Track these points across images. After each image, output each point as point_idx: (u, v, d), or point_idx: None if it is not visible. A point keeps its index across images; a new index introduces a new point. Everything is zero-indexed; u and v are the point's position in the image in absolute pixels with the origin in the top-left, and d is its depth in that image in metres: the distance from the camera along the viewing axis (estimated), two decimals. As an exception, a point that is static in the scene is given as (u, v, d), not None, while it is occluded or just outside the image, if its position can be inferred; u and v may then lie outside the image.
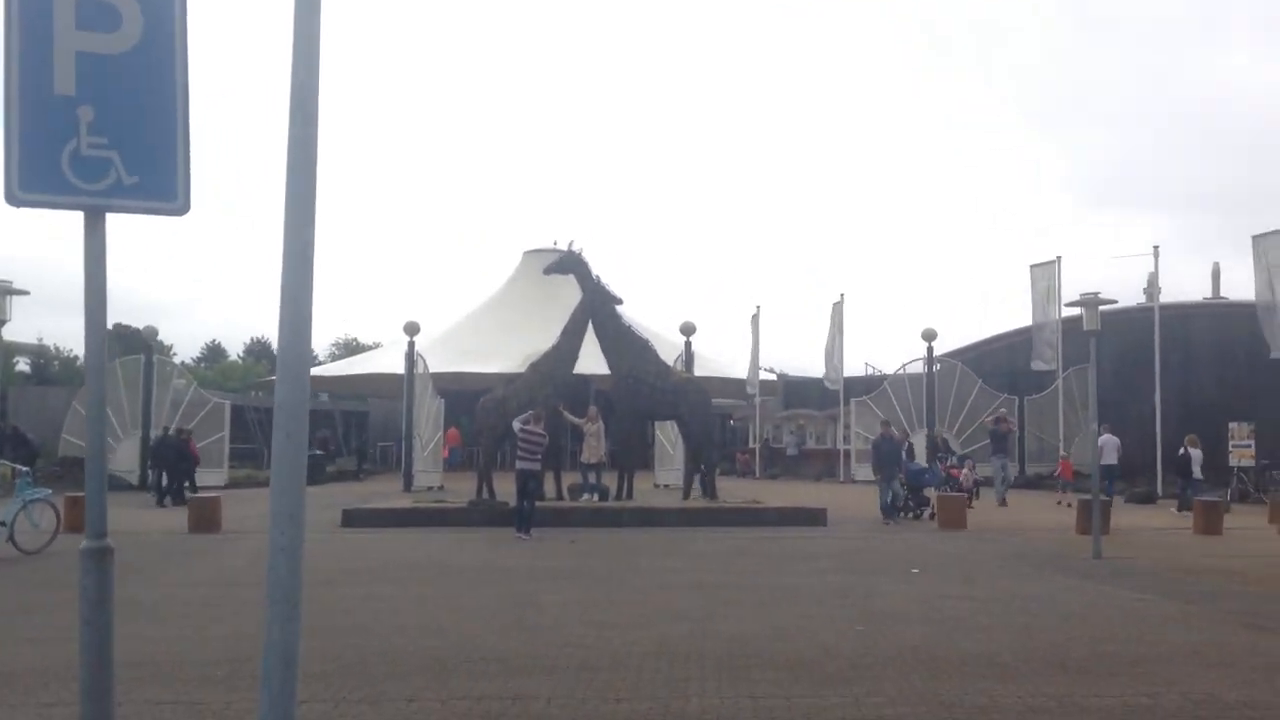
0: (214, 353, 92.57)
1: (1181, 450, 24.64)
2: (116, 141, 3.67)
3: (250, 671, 7.01)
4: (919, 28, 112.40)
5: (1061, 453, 30.88)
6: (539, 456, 18.31)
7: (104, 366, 4.00)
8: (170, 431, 28.39)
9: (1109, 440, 25.55)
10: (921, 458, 26.30)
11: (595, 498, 22.03)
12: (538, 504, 18.94)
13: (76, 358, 74.46)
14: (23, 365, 62.97)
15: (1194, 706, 7.05)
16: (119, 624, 9.60)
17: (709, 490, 23.05)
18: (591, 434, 22.46)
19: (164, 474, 26.78)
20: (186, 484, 26.21)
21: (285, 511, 3.23)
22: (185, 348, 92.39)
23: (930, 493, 22.39)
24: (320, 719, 6.70)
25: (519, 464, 18.24)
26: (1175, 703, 7.15)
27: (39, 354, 71.55)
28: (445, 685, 7.58)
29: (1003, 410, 30.91)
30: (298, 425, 3.31)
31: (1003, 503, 25.45)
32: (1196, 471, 24.03)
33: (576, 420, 22.91)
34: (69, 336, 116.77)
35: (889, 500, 21.26)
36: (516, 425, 18.57)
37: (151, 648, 8.89)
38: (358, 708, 6.96)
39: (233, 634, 9.54)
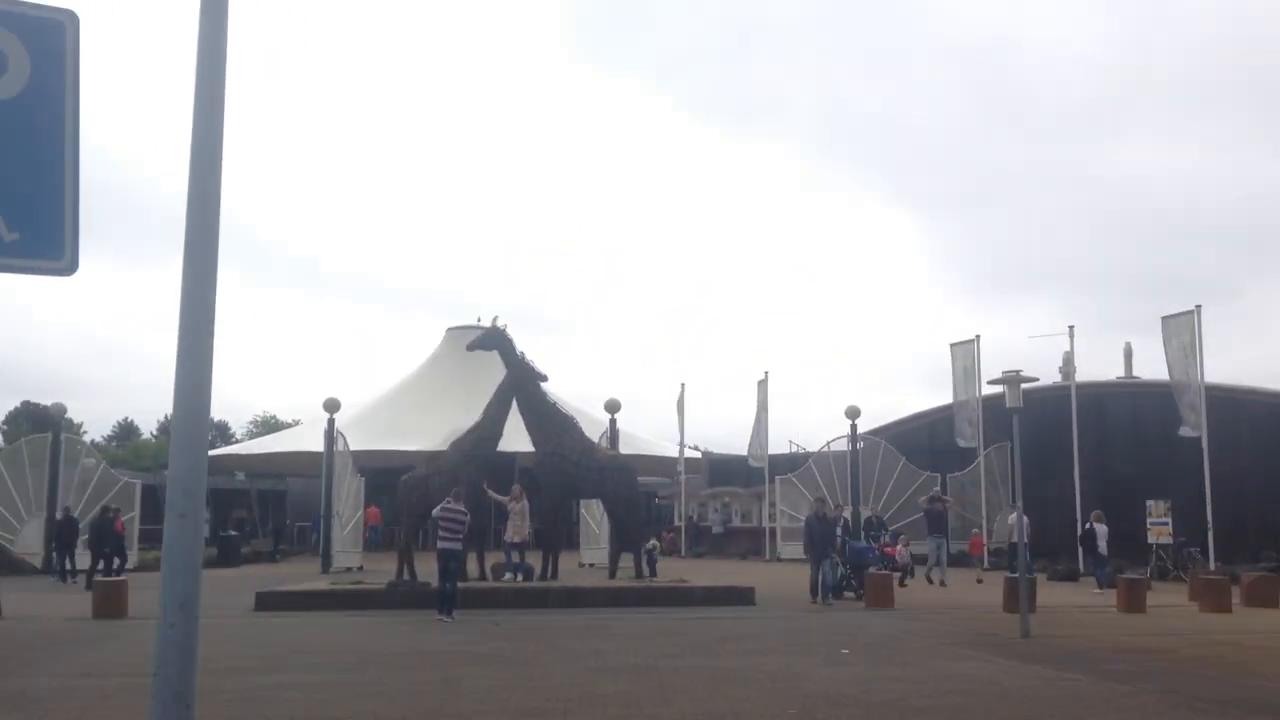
0: (126, 431, 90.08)
1: (1087, 525, 25.11)
2: None
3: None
4: (830, 116, 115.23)
5: (974, 530, 31.09)
6: (460, 536, 17.85)
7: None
8: (69, 511, 27.75)
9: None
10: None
11: (520, 577, 21.52)
12: (460, 585, 18.43)
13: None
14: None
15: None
16: (10, 714, 9.02)
17: (652, 569, 23.06)
18: (516, 513, 22.03)
19: (73, 556, 25.88)
20: (116, 563, 25.14)
21: (176, 600, 2.90)
22: (97, 426, 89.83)
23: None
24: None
25: (440, 543, 17.77)
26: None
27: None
28: (360, 781, 7.14)
29: (937, 489, 30.92)
30: (193, 504, 3.00)
31: (942, 583, 25.22)
32: (1102, 547, 24.56)
33: (501, 498, 22.51)
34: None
35: (819, 579, 20.88)
36: (437, 511, 18.14)
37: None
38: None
39: (132, 727, 8.96)
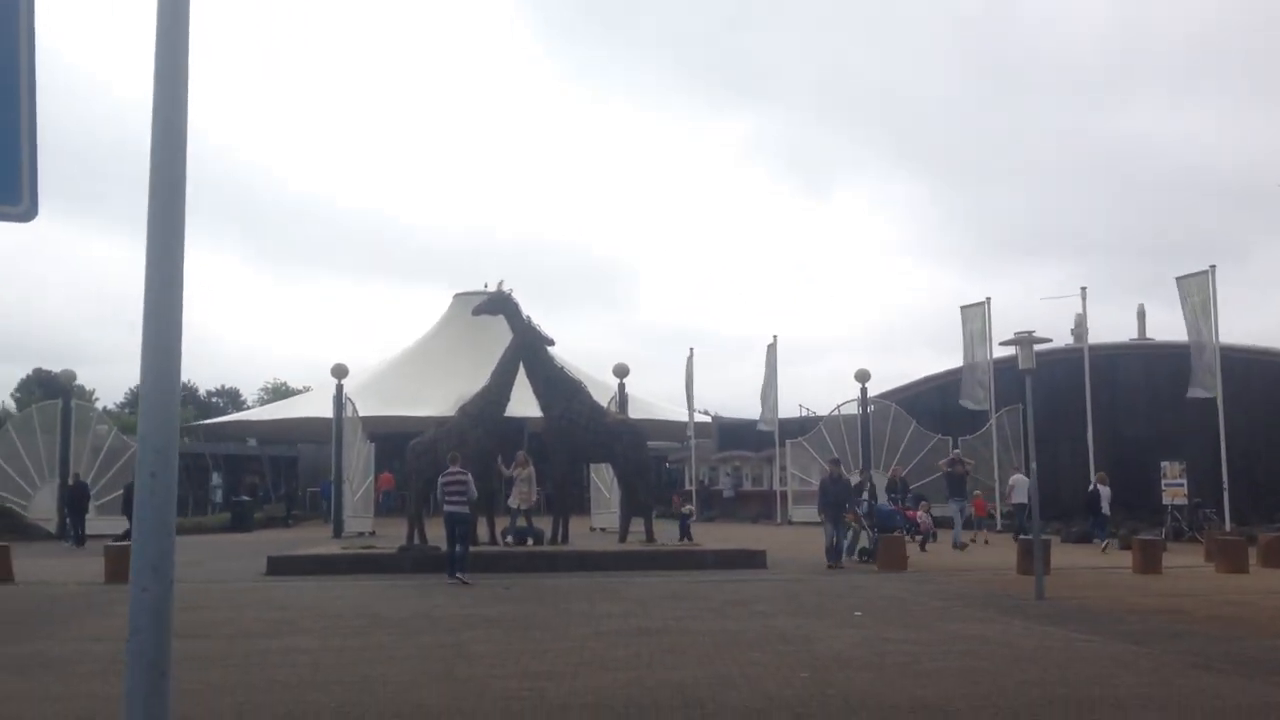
0: (139, 398, 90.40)
1: (1091, 487, 25.10)
2: None
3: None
4: (832, 83, 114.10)
5: (975, 492, 30.98)
6: (463, 499, 17.83)
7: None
8: (79, 477, 28.47)
9: (1019, 480, 26.68)
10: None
11: (530, 541, 21.52)
12: (471, 549, 18.42)
13: (-15, 404, 72.13)
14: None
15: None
16: (20, 678, 8.99)
17: (687, 533, 23.43)
18: (523, 479, 21.99)
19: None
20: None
21: (149, 562, 2.75)
22: (110, 393, 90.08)
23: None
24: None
25: (446, 507, 17.82)
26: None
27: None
28: (367, 745, 7.07)
29: (957, 451, 30.56)
30: (164, 464, 2.84)
31: (957, 545, 24.91)
32: (1105, 508, 24.66)
33: (508, 471, 22.40)
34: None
35: (833, 543, 20.58)
36: (440, 478, 18.27)
37: (53, 707, 8.27)
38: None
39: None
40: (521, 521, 22.03)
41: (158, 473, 2.81)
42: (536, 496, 22.90)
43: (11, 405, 67.31)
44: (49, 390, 49.29)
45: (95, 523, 28.60)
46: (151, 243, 2.89)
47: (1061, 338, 32.93)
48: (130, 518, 23.70)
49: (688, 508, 27.82)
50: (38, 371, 72.31)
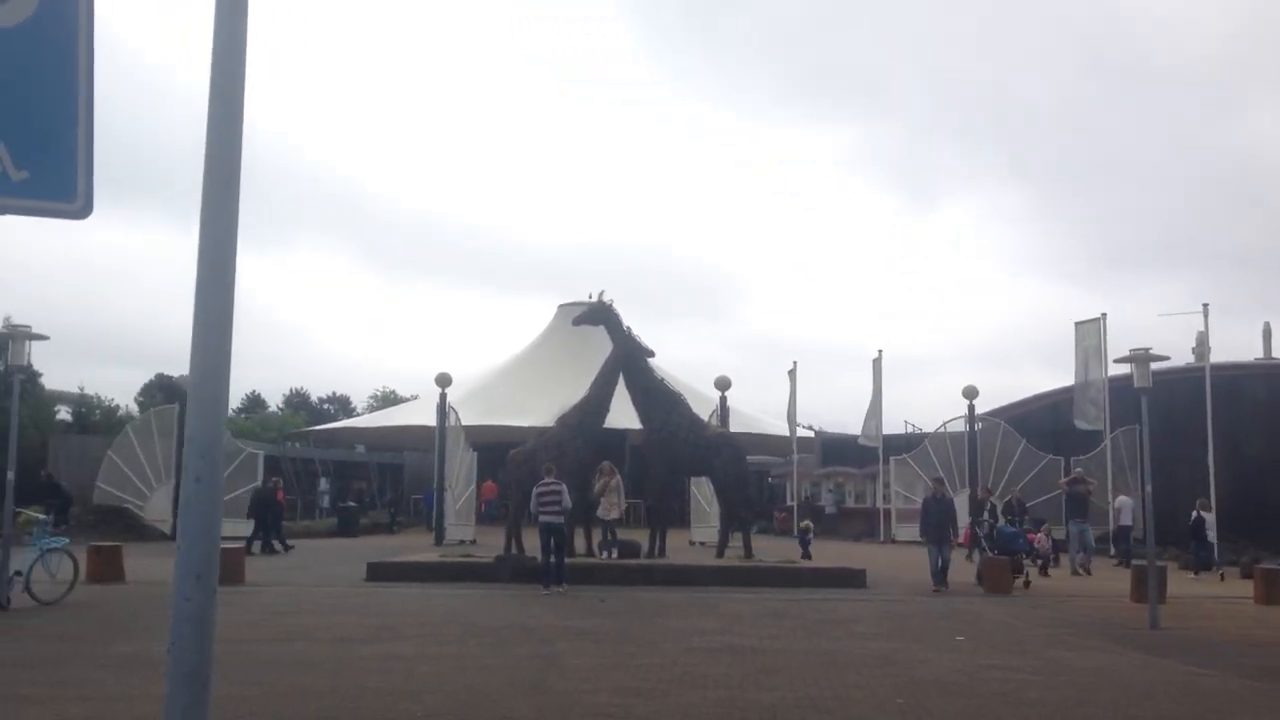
0: (254, 403, 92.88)
1: (1194, 514, 24.18)
2: (3, 131, 3.07)
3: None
4: (947, 86, 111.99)
5: None
6: (557, 509, 17.89)
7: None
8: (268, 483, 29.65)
9: (1125, 502, 26.50)
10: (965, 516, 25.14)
11: (615, 552, 21.46)
12: (568, 560, 18.43)
13: (118, 407, 74.95)
14: (64, 414, 63.25)
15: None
16: (119, 676, 9.17)
17: (806, 551, 23.45)
18: (611, 489, 21.92)
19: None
20: (275, 536, 27.08)
21: (192, 570, 2.68)
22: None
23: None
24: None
25: (541, 518, 17.91)
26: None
27: (80, 403, 72.03)
28: (452, 757, 7.03)
29: (1079, 470, 29.44)
30: (209, 468, 2.77)
31: (1087, 572, 23.92)
32: (1210, 535, 23.95)
33: (596, 487, 22.26)
34: (111, 385, 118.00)
35: (938, 565, 19.96)
36: (535, 488, 18.32)
37: (149, 707, 8.42)
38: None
39: (233, 694, 9.02)
40: (609, 533, 21.98)
41: (203, 477, 2.75)
42: (625, 505, 22.77)
43: (135, 409, 69.79)
44: (170, 395, 51.01)
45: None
46: (203, 244, 2.85)
47: (1182, 356, 31.64)
48: (256, 521, 25.06)
49: (806, 522, 27.52)
50: (159, 376, 74.91)
